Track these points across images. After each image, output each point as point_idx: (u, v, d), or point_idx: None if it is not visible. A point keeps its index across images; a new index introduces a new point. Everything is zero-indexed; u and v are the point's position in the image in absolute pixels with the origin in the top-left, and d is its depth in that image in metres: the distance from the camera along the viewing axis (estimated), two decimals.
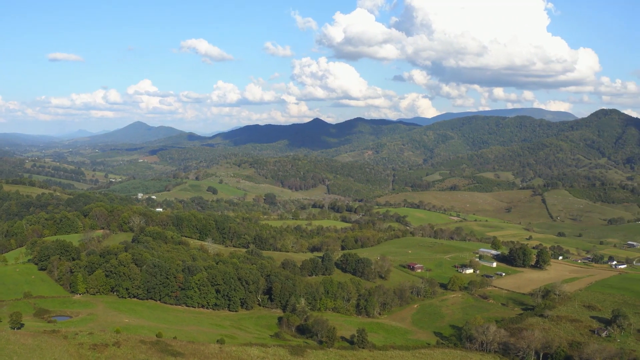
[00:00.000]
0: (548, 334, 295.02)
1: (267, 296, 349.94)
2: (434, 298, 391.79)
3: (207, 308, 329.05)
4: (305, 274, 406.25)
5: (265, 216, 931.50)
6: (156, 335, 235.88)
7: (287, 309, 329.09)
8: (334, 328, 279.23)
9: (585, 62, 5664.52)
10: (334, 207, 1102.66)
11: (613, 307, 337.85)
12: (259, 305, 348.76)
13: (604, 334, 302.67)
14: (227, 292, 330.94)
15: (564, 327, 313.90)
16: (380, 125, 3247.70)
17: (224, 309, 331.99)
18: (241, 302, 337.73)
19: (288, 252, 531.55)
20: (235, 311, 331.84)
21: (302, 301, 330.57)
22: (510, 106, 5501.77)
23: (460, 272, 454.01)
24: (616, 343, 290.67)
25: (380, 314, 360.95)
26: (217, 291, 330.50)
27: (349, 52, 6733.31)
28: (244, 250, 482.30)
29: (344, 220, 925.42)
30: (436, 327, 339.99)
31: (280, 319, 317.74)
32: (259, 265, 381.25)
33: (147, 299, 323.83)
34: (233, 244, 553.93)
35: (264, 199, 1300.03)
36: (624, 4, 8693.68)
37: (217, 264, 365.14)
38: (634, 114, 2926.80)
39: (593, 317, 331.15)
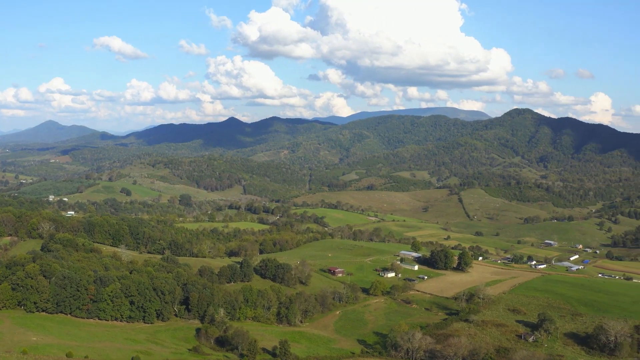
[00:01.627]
0: (475, 340, 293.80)
1: (184, 306, 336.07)
2: (357, 304, 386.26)
3: (120, 321, 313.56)
4: (223, 282, 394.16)
5: (180, 218, 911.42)
6: (66, 355, 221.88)
7: (206, 319, 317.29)
8: (255, 340, 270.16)
9: (498, 62, 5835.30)
10: (251, 208, 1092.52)
11: (538, 311, 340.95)
12: (176, 316, 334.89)
13: (530, 339, 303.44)
14: (142, 304, 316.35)
15: (490, 332, 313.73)
16: (295, 124, 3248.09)
17: (139, 322, 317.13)
18: (157, 313, 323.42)
19: (205, 257, 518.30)
20: (151, 323, 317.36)
21: (221, 311, 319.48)
22: (424, 105, 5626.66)
23: (382, 276, 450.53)
24: (544, 348, 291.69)
25: (301, 322, 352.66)
26: (131, 303, 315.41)
27: (264, 50, 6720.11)
28: (159, 256, 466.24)
29: (261, 221, 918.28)
30: (360, 334, 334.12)
31: (198, 330, 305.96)
32: (175, 274, 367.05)
33: (56, 313, 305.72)
34: (148, 249, 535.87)
35: (179, 200, 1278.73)
36: (536, 6, 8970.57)
37: (130, 273, 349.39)
38: (545, 114, 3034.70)
39: (519, 322, 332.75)
